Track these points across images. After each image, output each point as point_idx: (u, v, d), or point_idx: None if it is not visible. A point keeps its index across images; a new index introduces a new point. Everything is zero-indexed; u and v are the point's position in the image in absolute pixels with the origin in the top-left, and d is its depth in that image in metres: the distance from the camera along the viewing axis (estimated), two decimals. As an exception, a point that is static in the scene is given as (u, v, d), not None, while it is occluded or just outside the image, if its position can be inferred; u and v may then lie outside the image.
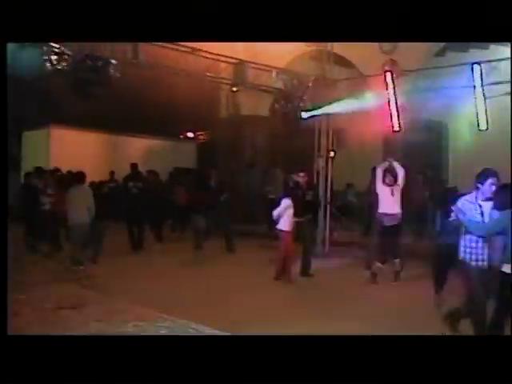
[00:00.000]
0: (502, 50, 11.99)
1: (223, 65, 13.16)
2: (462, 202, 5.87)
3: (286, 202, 9.97)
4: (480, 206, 5.82)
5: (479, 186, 5.85)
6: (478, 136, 12.11)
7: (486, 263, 5.90)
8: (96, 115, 18.64)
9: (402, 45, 14.26)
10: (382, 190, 9.89)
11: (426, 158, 15.70)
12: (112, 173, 15.59)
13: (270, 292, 9.26)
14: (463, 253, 6.00)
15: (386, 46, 14.76)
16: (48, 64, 9.54)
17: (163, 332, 6.64)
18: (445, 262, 7.67)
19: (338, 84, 13.73)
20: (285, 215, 9.96)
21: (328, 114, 13.41)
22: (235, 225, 14.19)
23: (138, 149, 22.12)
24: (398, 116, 11.69)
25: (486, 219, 5.76)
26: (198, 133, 24.79)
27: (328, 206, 13.61)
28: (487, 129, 10.94)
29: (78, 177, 11.06)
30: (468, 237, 5.92)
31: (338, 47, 13.74)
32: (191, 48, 11.15)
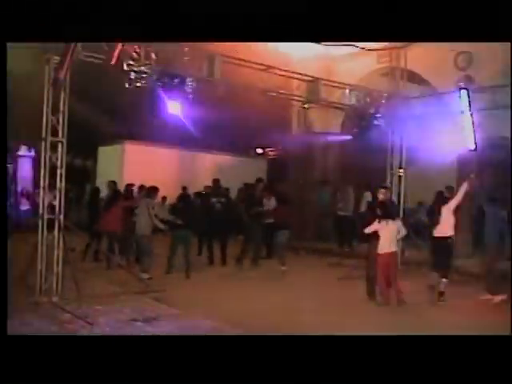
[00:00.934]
0: None
1: (296, 82, 13.28)
2: None
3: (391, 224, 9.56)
4: None
5: None
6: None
7: None
8: (171, 131, 19.05)
9: (476, 60, 13.97)
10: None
11: (501, 177, 15.23)
12: (184, 188, 15.87)
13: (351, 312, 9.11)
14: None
15: (461, 61, 14.45)
16: (127, 82, 9.89)
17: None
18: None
19: (411, 101, 13.52)
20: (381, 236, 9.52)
21: (401, 131, 13.26)
22: (306, 242, 14.16)
23: (208, 164, 22.50)
24: (474, 134, 11.41)
25: None
26: (269, 149, 24.95)
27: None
28: None
29: (151, 191, 11.56)
30: None
31: (411, 63, 13.57)
32: (265, 65, 11.28)
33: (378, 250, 9.53)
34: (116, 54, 8.66)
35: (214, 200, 13.82)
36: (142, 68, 9.57)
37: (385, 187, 10.79)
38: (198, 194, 14.65)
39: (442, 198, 10.65)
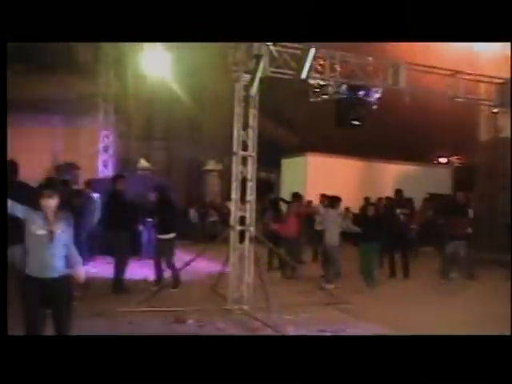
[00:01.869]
0: None
1: (484, 85, 12.55)
2: None
3: None
4: None
5: None
6: None
7: None
8: (353, 142, 19.08)
9: None
10: None
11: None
12: (367, 199, 15.72)
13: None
14: None
15: None
16: (311, 95, 10.08)
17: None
18: None
19: None
20: None
21: None
22: (479, 252, 13.36)
23: (390, 174, 22.09)
24: None
25: None
26: (455, 157, 23.93)
27: None
28: None
29: (333, 201, 11.64)
30: None
31: None
32: (452, 71, 10.84)
33: None
34: (306, 68, 8.85)
35: (398, 211, 13.52)
36: (327, 81, 9.70)
37: None
38: (383, 205, 14.41)
39: None
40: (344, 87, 9.78)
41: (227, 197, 20.62)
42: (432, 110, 15.52)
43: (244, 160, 9.13)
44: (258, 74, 8.53)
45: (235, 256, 9.12)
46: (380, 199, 15.00)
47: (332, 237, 11.43)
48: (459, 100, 11.43)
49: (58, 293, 5.18)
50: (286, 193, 18.29)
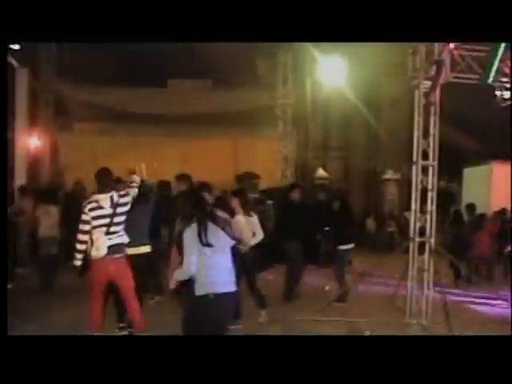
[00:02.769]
0: None
1: None
2: None
3: None
4: None
5: None
6: None
7: None
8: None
9: None
10: None
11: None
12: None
13: None
14: None
15: None
16: (499, 99, 9.53)
17: None
18: None
19: None
20: None
21: None
22: None
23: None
24: None
25: None
26: None
27: None
28: None
29: None
30: None
31: None
32: None
33: None
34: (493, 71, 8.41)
35: None
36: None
37: None
38: None
39: None
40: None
41: (406, 207, 20.19)
42: None
43: (424, 169, 8.85)
44: (440, 81, 8.23)
45: (414, 268, 8.85)
46: None
47: None
48: None
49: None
50: (468, 201, 17.36)
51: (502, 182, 19.60)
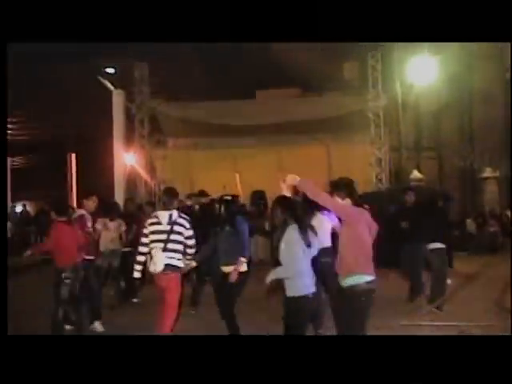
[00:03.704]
0: None
1: None
2: None
3: None
4: None
5: None
6: None
7: None
8: None
9: None
10: None
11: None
12: None
13: None
14: None
15: None
16: None
17: None
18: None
19: None
20: None
21: None
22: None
23: None
24: None
25: None
26: None
27: None
28: None
29: None
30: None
31: None
32: None
33: None
34: None
35: None
36: None
37: None
38: None
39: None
40: None
41: (507, 205, 19.37)
42: None
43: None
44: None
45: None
46: None
47: None
48: None
49: None
50: None
51: None
